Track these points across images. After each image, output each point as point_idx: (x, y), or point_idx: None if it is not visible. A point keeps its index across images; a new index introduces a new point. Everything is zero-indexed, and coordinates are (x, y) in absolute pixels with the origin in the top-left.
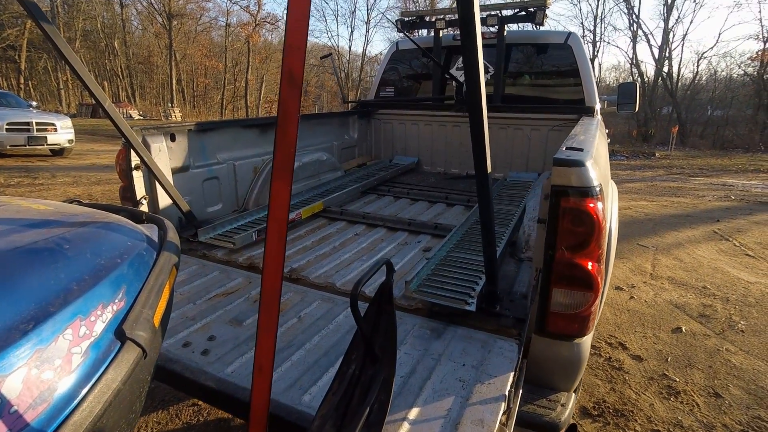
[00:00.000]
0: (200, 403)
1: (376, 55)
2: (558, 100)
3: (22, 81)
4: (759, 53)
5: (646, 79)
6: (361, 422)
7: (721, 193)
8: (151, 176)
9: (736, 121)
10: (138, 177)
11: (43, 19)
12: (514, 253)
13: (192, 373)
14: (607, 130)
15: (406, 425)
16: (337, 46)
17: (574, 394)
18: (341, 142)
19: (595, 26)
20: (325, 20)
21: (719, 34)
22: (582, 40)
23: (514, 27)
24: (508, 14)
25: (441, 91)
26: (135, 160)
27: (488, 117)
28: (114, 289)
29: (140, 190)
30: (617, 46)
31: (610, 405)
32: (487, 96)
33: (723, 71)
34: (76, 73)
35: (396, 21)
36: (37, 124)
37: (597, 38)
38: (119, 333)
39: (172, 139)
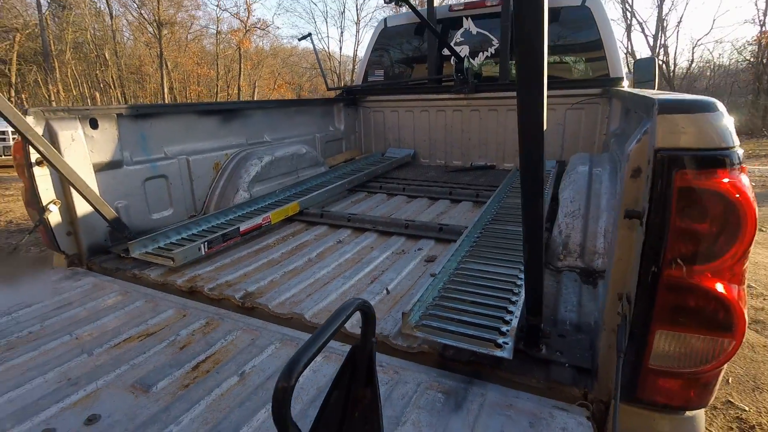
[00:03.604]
0: None
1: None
2: (577, 76)
3: (12, 93)
4: (757, 36)
5: None
6: None
7: None
8: (60, 174)
9: (736, 108)
10: (43, 175)
11: None
12: (546, 260)
13: None
14: None
15: None
16: (328, 48)
17: None
18: (325, 134)
19: None
20: (315, 21)
21: (713, 20)
22: (602, 1)
23: None
24: None
25: (438, 71)
26: (33, 155)
27: (493, 98)
28: None
29: (48, 191)
30: None
31: None
32: (492, 75)
33: (720, 57)
34: None
35: None
36: (14, 133)
37: None
38: None
39: (93, 125)
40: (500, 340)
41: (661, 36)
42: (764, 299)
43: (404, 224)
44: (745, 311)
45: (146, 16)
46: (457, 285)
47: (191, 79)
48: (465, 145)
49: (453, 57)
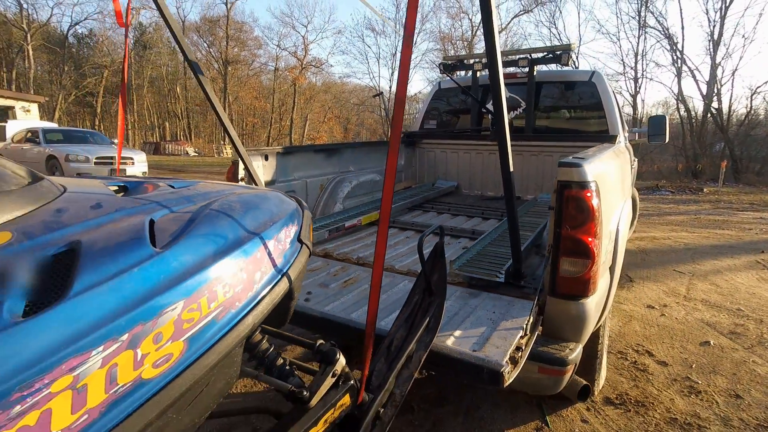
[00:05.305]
0: None
1: (415, 94)
2: (584, 130)
3: (97, 122)
4: None
5: (694, 114)
6: (422, 328)
7: None
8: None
9: None
10: None
11: (199, 72)
12: (539, 251)
13: (301, 309)
14: (634, 161)
15: (452, 338)
16: (378, 86)
17: (581, 345)
18: None
19: (636, 63)
20: (368, 62)
21: None
22: (605, 77)
23: (544, 67)
24: (538, 57)
25: (478, 123)
26: (240, 174)
27: (521, 146)
28: (293, 219)
29: None
30: (660, 82)
31: (632, 397)
32: (519, 128)
33: None
34: (213, 106)
35: (439, 64)
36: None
37: (638, 75)
38: (299, 239)
39: (266, 159)
40: (498, 275)
41: (714, 83)
42: (747, 319)
43: (450, 229)
44: (596, 249)
45: (214, 54)
46: (481, 255)
47: (248, 111)
48: (497, 180)
49: (490, 114)
